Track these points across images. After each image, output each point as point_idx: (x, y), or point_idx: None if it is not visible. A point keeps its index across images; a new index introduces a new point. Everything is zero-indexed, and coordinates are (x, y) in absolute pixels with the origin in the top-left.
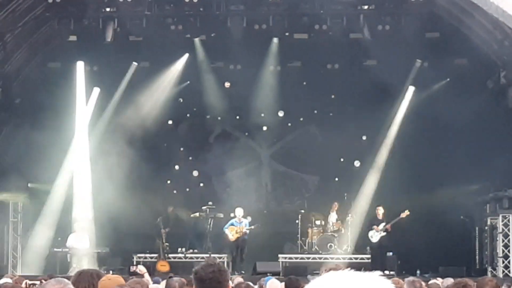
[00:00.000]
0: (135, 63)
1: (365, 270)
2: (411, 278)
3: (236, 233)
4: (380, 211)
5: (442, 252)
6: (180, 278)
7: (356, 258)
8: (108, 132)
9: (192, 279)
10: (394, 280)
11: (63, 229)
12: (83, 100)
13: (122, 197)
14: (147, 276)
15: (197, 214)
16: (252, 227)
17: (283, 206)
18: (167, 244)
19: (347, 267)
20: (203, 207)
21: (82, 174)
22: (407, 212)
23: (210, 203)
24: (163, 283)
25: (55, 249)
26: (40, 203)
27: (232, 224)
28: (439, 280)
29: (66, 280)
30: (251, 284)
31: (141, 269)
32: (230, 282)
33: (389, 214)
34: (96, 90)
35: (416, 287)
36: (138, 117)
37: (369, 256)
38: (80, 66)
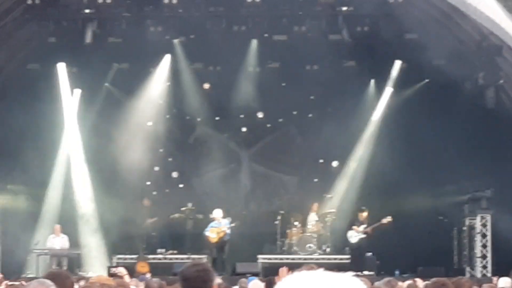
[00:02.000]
0: (116, 64)
1: (344, 270)
2: (386, 278)
3: (217, 234)
4: (364, 213)
5: (420, 252)
6: (159, 279)
7: (335, 259)
8: (88, 134)
9: (179, 279)
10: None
11: (42, 231)
12: (68, 101)
13: (102, 199)
14: (127, 278)
15: (177, 215)
16: (233, 224)
17: (262, 207)
18: (144, 246)
19: (323, 268)
20: (183, 208)
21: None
22: (389, 219)
23: (189, 204)
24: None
25: (35, 251)
26: (19, 205)
27: (211, 227)
28: (418, 281)
29: (48, 281)
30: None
31: (121, 271)
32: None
33: (369, 216)
34: (78, 92)
35: (392, 286)
36: (118, 119)
37: (348, 256)
38: (61, 67)
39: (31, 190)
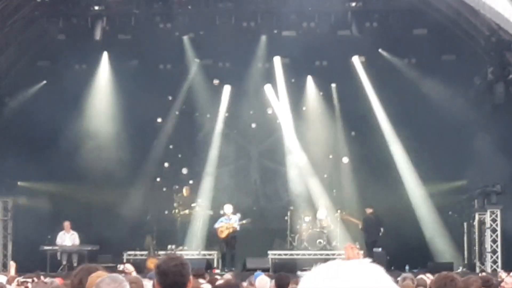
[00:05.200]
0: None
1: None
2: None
3: (226, 229)
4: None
5: (430, 247)
6: None
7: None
8: (99, 130)
9: (155, 273)
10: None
11: (53, 227)
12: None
13: (112, 195)
14: (134, 275)
15: (187, 211)
16: (244, 221)
17: (272, 202)
18: (154, 242)
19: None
20: (193, 204)
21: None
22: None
23: (199, 200)
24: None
25: (45, 247)
26: (30, 202)
27: (221, 221)
28: (428, 276)
29: (120, 277)
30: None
31: (128, 267)
32: (191, 276)
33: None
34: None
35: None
36: (128, 115)
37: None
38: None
39: (42, 187)
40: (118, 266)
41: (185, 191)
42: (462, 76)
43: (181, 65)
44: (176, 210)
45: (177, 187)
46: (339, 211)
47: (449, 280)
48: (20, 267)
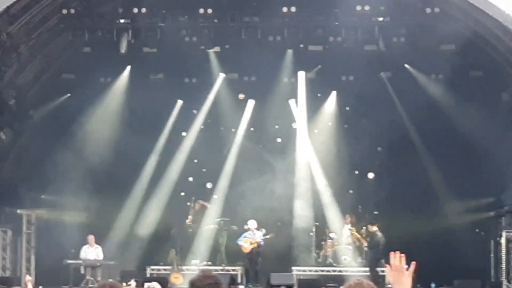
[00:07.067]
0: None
1: (380, 282)
2: None
3: (251, 244)
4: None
5: (457, 265)
6: None
7: (370, 271)
8: (123, 143)
9: None
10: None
11: (76, 241)
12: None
13: (136, 209)
14: None
15: (211, 226)
16: (268, 236)
17: (297, 218)
18: (178, 257)
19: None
20: (217, 219)
21: None
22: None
23: (221, 217)
24: None
25: (69, 261)
26: (53, 215)
27: (245, 237)
28: None
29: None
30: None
31: (156, 286)
32: None
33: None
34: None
35: None
36: (153, 129)
37: (383, 269)
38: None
39: (67, 200)
40: (145, 284)
41: (197, 205)
42: (489, 92)
43: (206, 79)
44: (188, 223)
45: (201, 201)
46: (364, 227)
47: None
48: (43, 280)
